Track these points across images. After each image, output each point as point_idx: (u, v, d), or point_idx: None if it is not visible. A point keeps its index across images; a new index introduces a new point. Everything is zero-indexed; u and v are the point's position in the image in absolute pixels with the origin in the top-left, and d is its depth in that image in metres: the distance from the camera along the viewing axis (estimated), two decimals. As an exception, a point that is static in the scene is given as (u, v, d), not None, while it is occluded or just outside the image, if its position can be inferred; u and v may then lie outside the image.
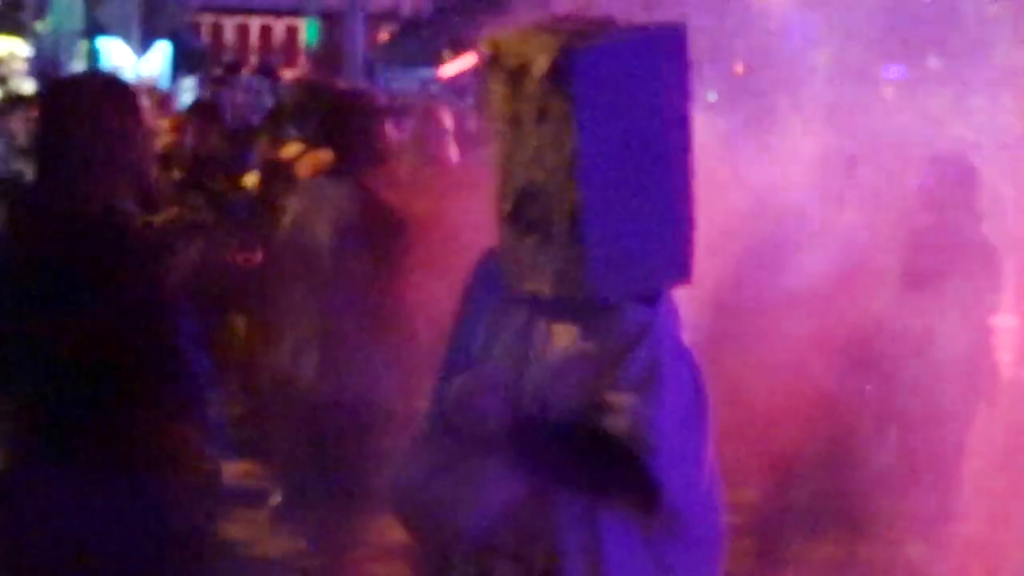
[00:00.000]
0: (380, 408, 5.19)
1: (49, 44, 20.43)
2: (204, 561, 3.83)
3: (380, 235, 5.27)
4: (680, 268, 3.20)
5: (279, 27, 28.79)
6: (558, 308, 3.13)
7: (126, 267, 3.61)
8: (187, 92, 18.93)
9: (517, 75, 3.12)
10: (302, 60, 27.06)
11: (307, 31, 27.85)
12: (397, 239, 5.30)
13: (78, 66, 19.85)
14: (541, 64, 3.05)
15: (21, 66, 19.21)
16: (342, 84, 11.08)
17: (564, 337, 3.13)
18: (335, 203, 5.42)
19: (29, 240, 3.64)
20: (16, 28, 20.15)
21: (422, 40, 24.85)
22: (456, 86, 21.12)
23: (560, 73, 3.03)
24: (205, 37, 26.95)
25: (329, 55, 24.62)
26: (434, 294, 4.88)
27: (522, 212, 3.13)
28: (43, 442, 3.60)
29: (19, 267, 3.62)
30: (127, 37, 19.72)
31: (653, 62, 3.14)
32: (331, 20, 25.98)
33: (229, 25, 28.54)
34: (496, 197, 3.19)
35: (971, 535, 6.25)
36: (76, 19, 20.32)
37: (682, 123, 3.16)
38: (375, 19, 25.68)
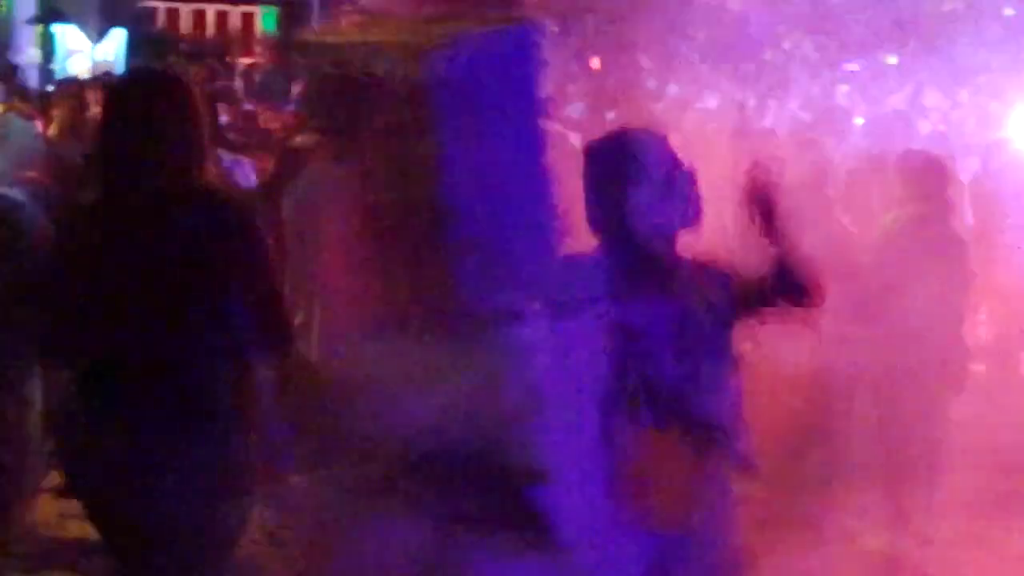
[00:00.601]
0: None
1: (3, 29, 20.22)
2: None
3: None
4: (551, 277, 3.03)
5: (235, 14, 28.61)
6: (434, 329, 2.97)
7: (245, 236, 3.92)
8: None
9: (360, 79, 2.95)
10: (259, 48, 26.90)
11: (263, 19, 27.69)
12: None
13: (33, 52, 19.68)
14: (392, 65, 2.89)
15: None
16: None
17: (441, 362, 3.00)
18: (342, 186, 5.48)
19: (131, 215, 3.93)
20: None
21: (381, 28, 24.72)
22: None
23: (417, 73, 2.86)
24: (161, 24, 26.75)
25: (286, 43, 24.47)
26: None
27: (386, 227, 2.97)
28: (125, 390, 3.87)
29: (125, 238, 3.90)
30: (84, 23, 19.54)
31: (509, 58, 2.97)
32: (288, 7, 25.83)
33: (185, 12, 28.35)
34: (357, 214, 3.03)
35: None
36: (31, 4, 20.13)
37: (541, 125, 3.00)
38: (333, 7, 25.56)
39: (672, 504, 3.50)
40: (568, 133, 7.71)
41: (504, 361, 2.94)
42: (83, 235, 3.97)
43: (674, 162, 3.72)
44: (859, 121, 11.79)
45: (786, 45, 16.35)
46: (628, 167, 3.67)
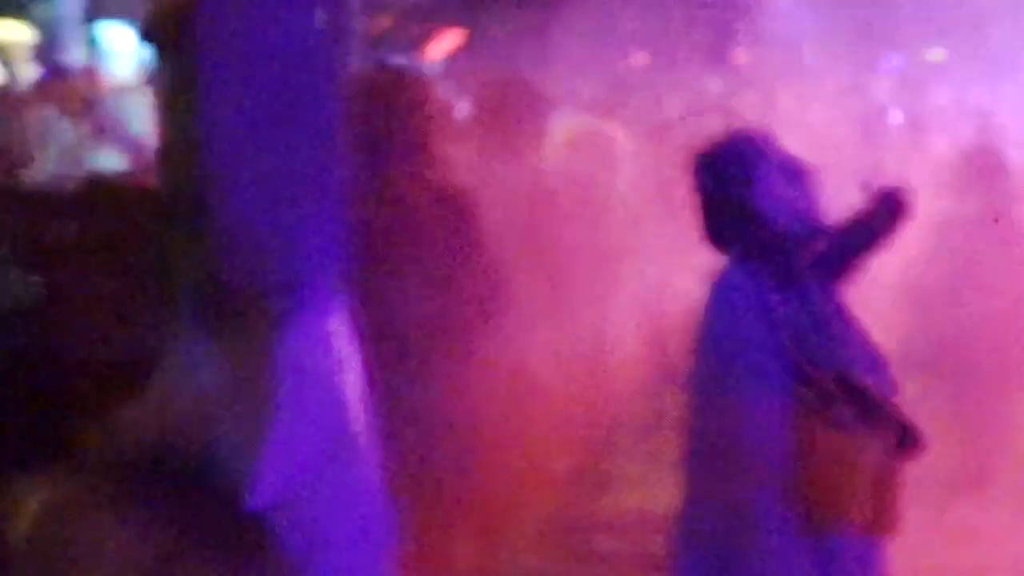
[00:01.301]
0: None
1: (51, 29, 20.28)
2: None
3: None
4: (332, 254, 2.80)
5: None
6: (201, 311, 2.72)
7: None
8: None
9: (154, 39, 2.82)
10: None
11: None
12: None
13: (80, 52, 19.75)
14: (160, 20, 2.76)
15: (24, 52, 19.09)
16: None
17: (199, 344, 2.71)
18: None
19: None
20: (18, 12, 20.03)
21: (422, 25, 24.84)
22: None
23: (180, 26, 2.68)
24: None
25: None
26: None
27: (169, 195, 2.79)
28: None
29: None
30: (132, 22, 19.59)
31: (293, 11, 2.79)
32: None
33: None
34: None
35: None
36: (77, 3, 20.16)
37: (331, 91, 2.80)
38: (374, 4, 25.60)
39: (861, 506, 3.48)
40: (616, 130, 7.79)
41: (262, 357, 2.67)
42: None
43: (791, 156, 3.74)
44: (898, 117, 11.79)
45: (821, 38, 16.33)
46: (751, 165, 3.66)
